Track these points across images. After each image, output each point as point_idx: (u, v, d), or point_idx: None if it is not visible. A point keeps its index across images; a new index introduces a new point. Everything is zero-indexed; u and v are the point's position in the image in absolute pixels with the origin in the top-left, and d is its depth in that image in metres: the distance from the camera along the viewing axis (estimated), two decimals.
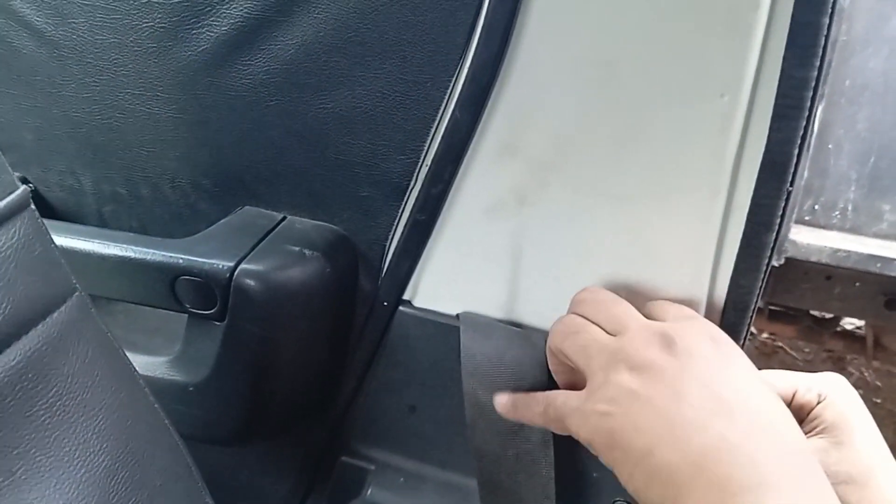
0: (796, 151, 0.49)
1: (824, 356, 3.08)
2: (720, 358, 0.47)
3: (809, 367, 3.04)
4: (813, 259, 1.57)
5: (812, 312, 2.22)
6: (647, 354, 0.47)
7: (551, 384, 0.57)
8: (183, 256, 0.60)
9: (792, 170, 0.50)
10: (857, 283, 1.76)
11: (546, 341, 0.58)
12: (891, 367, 2.68)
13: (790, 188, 0.51)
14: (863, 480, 0.54)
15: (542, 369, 0.57)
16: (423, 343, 0.63)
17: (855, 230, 1.58)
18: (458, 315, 0.61)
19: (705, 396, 0.45)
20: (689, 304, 0.55)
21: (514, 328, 0.60)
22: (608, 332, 0.50)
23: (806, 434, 0.57)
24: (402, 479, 0.68)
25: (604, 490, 0.63)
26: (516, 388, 0.57)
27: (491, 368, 0.57)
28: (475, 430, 0.58)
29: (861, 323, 2.40)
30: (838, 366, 3.03)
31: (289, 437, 0.71)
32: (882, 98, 1.47)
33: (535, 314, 0.60)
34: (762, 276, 0.54)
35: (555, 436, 0.58)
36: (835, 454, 0.54)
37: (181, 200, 0.68)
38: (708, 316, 0.55)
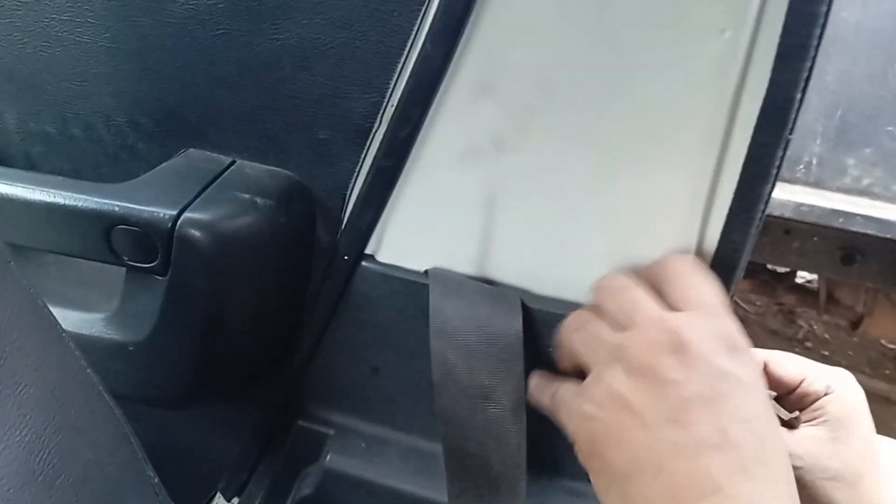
0: (799, 95, 0.45)
1: (775, 309, 3.13)
2: (733, 377, 0.41)
3: (760, 319, 3.09)
4: (776, 213, 1.56)
5: (768, 266, 2.23)
6: (650, 359, 0.42)
7: (528, 345, 0.53)
8: (119, 203, 0.54)
9: (793, 116, 0.46)
10: (815, 238, 1.76)
11: (520, 299, 0.54)
12: (840, 321, 2.73)
13: (789, 136, 0.47)
14: (852, 480, 0.53)
15: (515, 330, 0.53)
16: (387, 301, 0.58)
17: (818, 184, 1.57)
18: (426, 271, 0.56)
19: (705, 422, 0.40)
20: (681, 250, 0.51)
21: (487, 285, 0.55)
22: (618, 325, 0.46)
23: (806, 423, 0.56)
24: (363, 444, 0.64)
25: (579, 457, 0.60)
26: (488, 350, 0.52)
27: (461, 328, 0.52)
28: (442, 394, 0.53)
29: (812, 277, 2.43)
30: (788, 318, 3.09)
31: (240, 400, 0.66)
32: (853, 50, 1.45)
33: (510, 271, 0.55)
34: (754, 231, 0.50)
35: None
36: (829, 448, 0.54)
37: (118, 141, 0.61)
38: None
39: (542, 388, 0.52)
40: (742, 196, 0.48)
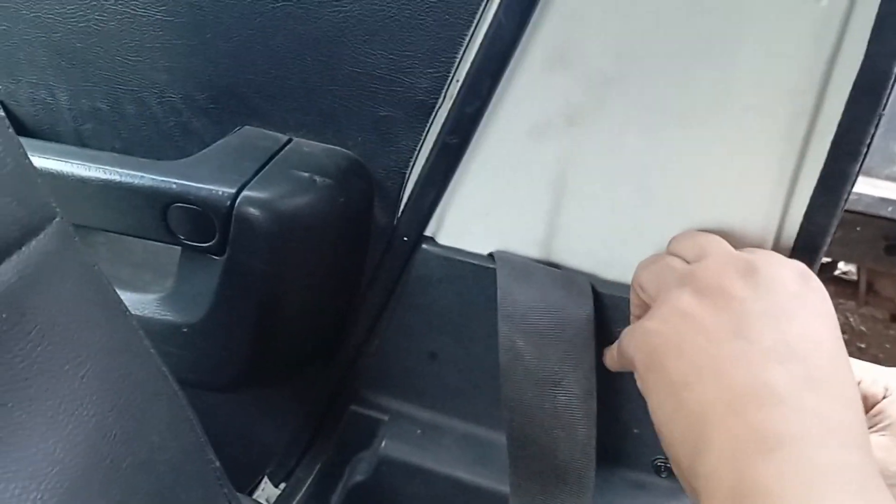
0: (895, 69, 0.43)
1: None
2: (804, 299, 0.40)
3: None
4: None
5: None
6: (720, 280, 0.41)
7: (598, 331, 0.51)
8: (177, 181, 0.53)
9: (889, 90, 0.43)
10: (859, 228, 1.72)
11: (590, 284, 0.52)
12: (878, 313, 2.67)
13: (882, 112, 0.45)
14: None
15: (587, 315, 0.50)
16: (447, 285, 0.56)
17: (866, 172, 1.53)
18: (490, 254, 0.54)
19: (769, 335, 0.38)
20: (756, 243, 0.48)
21: (556, 269, 0.53)
22: (691, 259, 0.44)
23: (868, 429, 0.54)
24: (418, 431, 0.62)
25: (644, 448, 0.58)
26: (558, 335, 0.51)
27: (530, 312, 0.50)
28: (509, 380, 0.52)
29: (851, 268, 2.39)
30: None
31: (293, 384, 0.65)
32: None
33: (578, 254, 0.53)
34: (839, 213, 0.47)
35: (599, 389, 0.52)
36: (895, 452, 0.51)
37: (171, 118, 0.60)
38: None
39: (610, 349, 0.51)
40: (829, 175, 0.46)
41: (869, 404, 0.56)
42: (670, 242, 0.49)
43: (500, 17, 0.47)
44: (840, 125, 0.44)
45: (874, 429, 0.54)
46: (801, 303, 0.40)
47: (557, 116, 0.49)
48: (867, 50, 0.42)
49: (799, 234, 0.48)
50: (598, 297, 0.52)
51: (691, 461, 0.37)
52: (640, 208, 0.50)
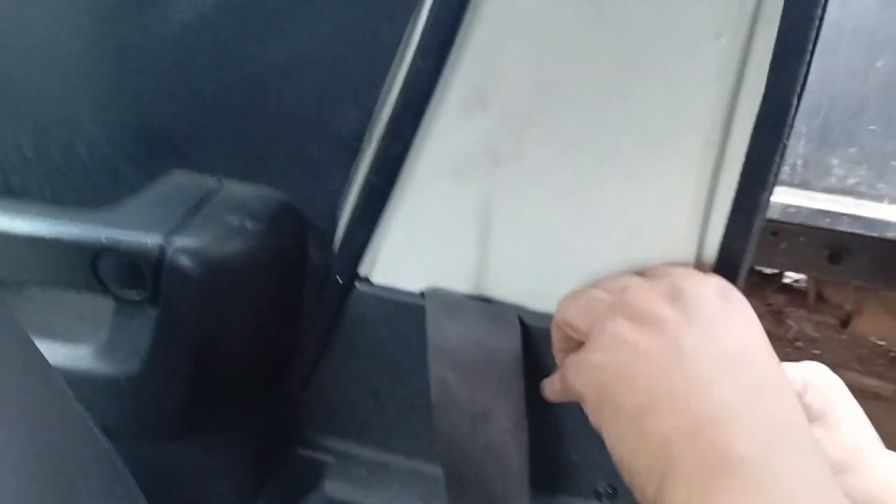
0: (795, 101, 0.44)
1: (764, 310, 3.13)
2: (729, 313, 0.42)
3: None
4: None
5: (756, 268, 2.24)
6: (651, 305, 0.42)
7: (526, 363, 0.52)
8: (105, 231, 0.52)
9: (790, 121, 0.45)
10: (802, 238, 1.76)
11: (518, 317, 0.53)
12: (829, 320, 2.73)
13: (786, 142, 0.46)
14: (856, 467, 0.53)
15: (514, 348, 0.51)
16: (384, 324, 0.57)
17: (804, 185, 1.57)
18: (421, 292, 0.55)
19: (710, 354, 0.40)
20: (683, 261, 0.50)
21: (485, 303, 0.54)
22: (614, 291, 0.46)
23: None
24: (364, 471, 0.62)
25: (584, 474, 0.58)
26: (487, 369, 0.51)
27: (460, 347, 0.51)
28: (441, 415, 0.52)
29: (801, 277, 2.44)
30: (777, 318, 3.09)
31: (237, 429, 0.64)
32: (834, 49, 1.45)
33: (507, 287, 0.54)
34: (753, 238, 0.49)
35: (530, 420, 0.53)
36: (828, 443, 0.53)
37: (100, 166, 0.59)
38: None
39: (551, 381, 0.51)
40: (740, 204, 0.47)
41: None
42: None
43: (417, 60, 0.48)
44: (747, 157, 0.46)
45: None
46: (729, 317, 0.42)
47: (480, 155, 0.50)
48: (767, 84, 0.44)
49: (718, 259, 0.49)
50: (526, 329, 0.52)
51: (658, 490, 0.38)
52: (565, 241, 0.51)
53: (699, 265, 0.50)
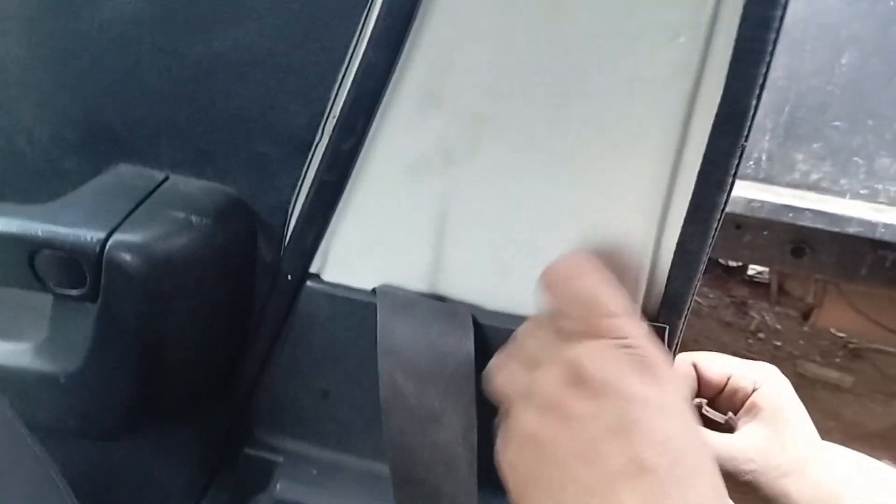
0: (754, 102, 0.44)
1: (727, 301, 3.17)
2: (642, 399, 0.38)
3: (714, 311, 3.13)
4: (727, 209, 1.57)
5: (720, 261, 2.26)
6: (556, 395, 0.40)
7: (479, 362, 0.51)
8: (43, 226, 0.50)
9: (749, 123, 0.44)
10: (766, 232, 1.78)
11: (472, 316, 0.52)
12: (791, 312, 2.77)
13: (744, 143, 0.46)
14: (800, 469, 0.55)
15: (467, 350, 0.50)
16: (335, 322, 0.55)
17: (768, 180, 1.58)
18: (373, 290, 0.54)
19: (616, 454, 0.37)
20: (633, 271, 0.49)
21: (437, 302, 0.53)
22: (530, 364, 0.43)
23: (744, 422, 0.57)
24: (314, 471, 0.61)
25: None
26: (438, 371, 0.50)
27: (410, 347, 0.50)
28: (390, 417, 0.51)
29: (763, 270, 2.47)
30: (741, 310, 3.13)
31: (184, 429, 0.63)
32: (800, 45, 1.46)
33: (462, 287, 0.53)
34: (711, 240, 0.48)
35: (484, 419, 0.52)
36: (776, 444, 0.55)
37: (41, 157, 0.57)
38: (652, 283, 0.50)
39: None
40: (697, 206, 0.47)
41: (741, 398, 0.59)
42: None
43: (370, 55, 0.46)
44: (705, 158, 0.45)
45: (751, 422, 0.56)
46: (643, 404, 0.38)
47: (434, 154, 0.49)
48: (725, 86, 0.43)
49: (674, 261, 0.49)
50: (480, 328, 0.52)
51: None
52: (519, 240, 0.50)
53: (655, 269, 0.49)
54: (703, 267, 0.49)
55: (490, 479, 0.53)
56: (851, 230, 1.52)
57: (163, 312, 0.52)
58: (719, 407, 0.60)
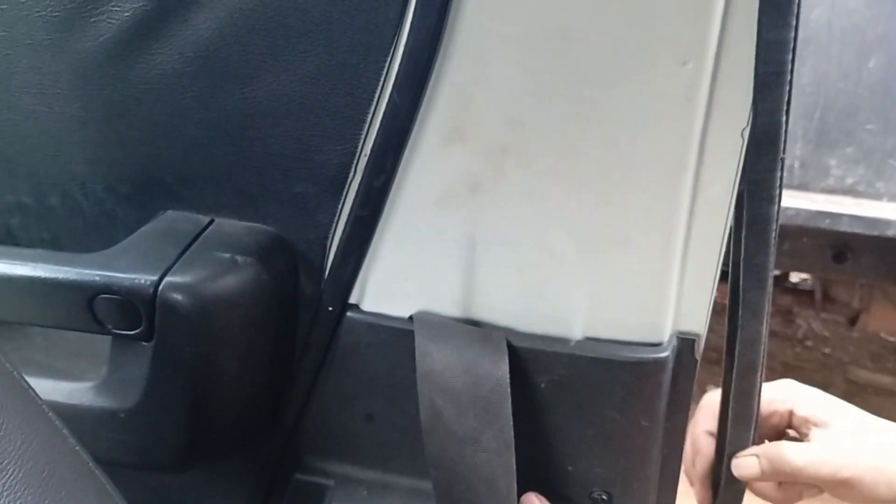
0: (784, 118, 0.45)
1: (773, 311, 3.12)
2: None
3: None
4: None
5: None
6: None
7: (515, 383, 0.53)
8: (100, 273, 0.54)
9: (783, 138, 0.46)
10: (805, 239, 1.76)
11: (506, 339, 0.54)
12: (838, 318, 2.72)
13: (783, 156, 0.47)
14: (878, 443, 0.56)
15: (502, 372, 0.52)
16: (375, 349, 0.58)
17: (803, 187, 1.57)
18: (410, 317, 0.56)
19: None
20: (654, 289, 0.51)
21: (472, 327, 0.55)
22: None
23: (794, 438, 0.59)
24: (364, 492, 0.63)
25: (579, 483, 0.59)
26: (475, 392, 0.52)
27: (447, 371, 0.52)
28: (431, 438, 0.53)
29: (807, 277, 2.44)
30: (787, 319, 3.08)
31: (236, 459, 0.66)
32: (826, 50, 1.46)
33: (495, 310, 0.55)
34: (772, 249, 0.50)
35: (522, 436, 0.54)
36: (835, 446, 0.56)
37: (96, 208, 0.61)
38: (680, 297, 0.52)
39: None
40: (752, 221, 0.47)
41: (784, 421, 0.60)
42: None
43: (395, 97, 0.49)
44: (749, 177, 0.46)
45: (815, 428, 0.58)
46: None
47: (461, 185, 0.51)
48: (755, 107, 0.44)
49: (743, 276, 0.50)
50: (513, 350, 0.54)
51: None
52: (547, 264, 0.52)
53: (681, 284, 0.51)
54: (772, 276, 0.51)
55: (536, 489, 0.55)
56: (891, 233, 1.51)
57: (213, 348, 0.55)
58: (760, 434, 0.61)
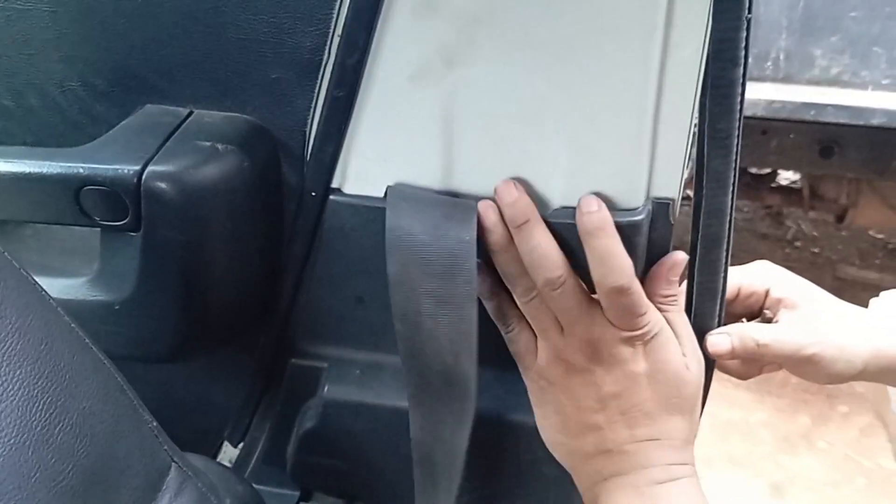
0: None
1: (763, 213, 3.15)
2: (623, 368, 0.54)
3: (749, 224, 3.11)
4: (748, 114, 1.56)
5: (749, 169, 2.25)
6: (578, 361, 0.55)
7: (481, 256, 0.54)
8: (83, 165, 0.55)
9: None
10: (792, 135, 1.77)
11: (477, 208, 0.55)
12: (826, 216, 2.75)
13: (749, 16, 0.46)
14: (844, 323, 0.60)
15: (469, 233, 0.53)
16: (360, 231, 0.59)
17: (788, 79, 1.57)
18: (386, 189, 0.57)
19: (616, 408, 0.54)
20: (630, 158, 0.52)
21: (442, 196, 0.56)
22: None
23: (771, 319, 0.61)
24: (357, 372, 0.65)
25: None
26: (440, 249, 0.53)
27: (414, 228, 0.54)
28: (396, 291, 0.55)
29: (796, 177, 2.45)
30: (776, 220, 3.11)
31: (233, 348, 0.68)
32: None
33: (474, 185, 0.56)
34: (738, 116, 0.50)
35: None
36: (819, 315, 0.59)
37: (75, 106, 0.61)
38: (668, 160, 0.53)
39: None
40: (717, 83, 0.47)
41: (759, 302, 0.62)
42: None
43: None
44: (712, 36, 0.46)
45: (787, 310, 0.60)
46: (631, 374, 0.54)
47: (435, 59, 0.51)
48: None
49: (707, 143, 0.50)
50: None
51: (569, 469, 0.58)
52: (524, 137, 0.53)
53: (657, 143, 0.52)
54: (738, 144, 0.51)
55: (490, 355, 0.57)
56: (876, 122, 1.51)
57: (200, 235, 0.56)
58: (736, 314, 0.64)
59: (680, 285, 0.56)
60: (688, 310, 0.57)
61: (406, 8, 0.50)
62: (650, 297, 0.54)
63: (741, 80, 0.48)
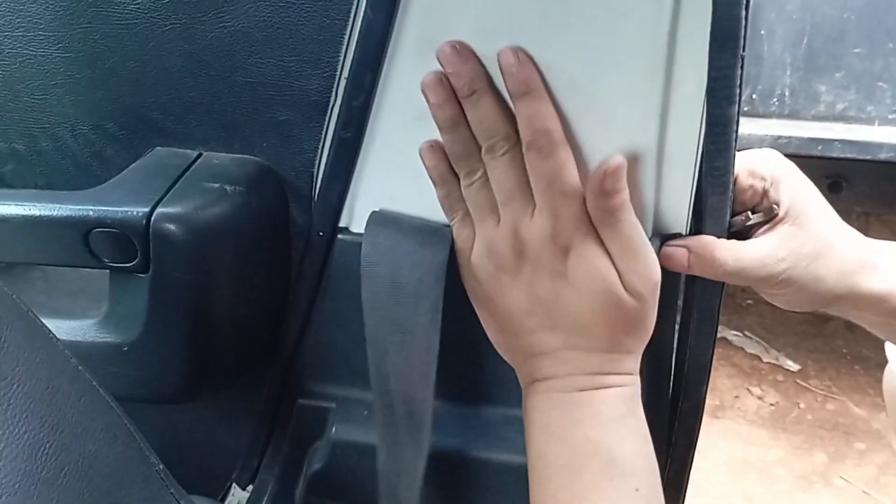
0: (743, 13, 0.45)
1: None
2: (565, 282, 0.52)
3: None
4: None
5: None
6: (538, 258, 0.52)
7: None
8: (93, 207, 0.55)
9: (743, 33, 0.46)
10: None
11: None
12: None
13: (743, 53, 0.47)
14: (827, 251, 0.55)
15: (440, 257, 0.54)
16: None
17: (794, 115, 1.57)
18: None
19: (541, 311, 0.53)
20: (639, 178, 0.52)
21: (423, 222, 0.56)
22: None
23: (767, 222, 0.56)
24: (365, 412, 0.65)
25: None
26: (410, 276, 0.55)
27: (388, 253, 0.55)
28: (368, 317, 0.57)
29: None
30: None
31: (240, 389, 0.68)
32: None
33: None
34: (734, 151, 0.50)
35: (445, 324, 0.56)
36: (801, 236, 0.54)
37: (85, 149, 0.62)
38: (672, 196, 0.53)
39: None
40: (713, 122, 0.48)
41: (758, 195, 0.57)
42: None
43: (369, 14, 0.50)
44: (710, 76, 0.46)
45: (775, 221, 0.55)
46: (557, 278, 0.52)
47: None
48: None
49: (704, 179, 0.51)
50: None
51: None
52: None
53: (664, 128, 0.51)
54: (733, 181, 0.52)
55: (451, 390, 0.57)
56: (883, 156, 1.51)
57: (208, 276, 0.57)
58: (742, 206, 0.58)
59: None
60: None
61: (411, 49, 0.51)
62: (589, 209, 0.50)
63: (736, 118, 0.48)
